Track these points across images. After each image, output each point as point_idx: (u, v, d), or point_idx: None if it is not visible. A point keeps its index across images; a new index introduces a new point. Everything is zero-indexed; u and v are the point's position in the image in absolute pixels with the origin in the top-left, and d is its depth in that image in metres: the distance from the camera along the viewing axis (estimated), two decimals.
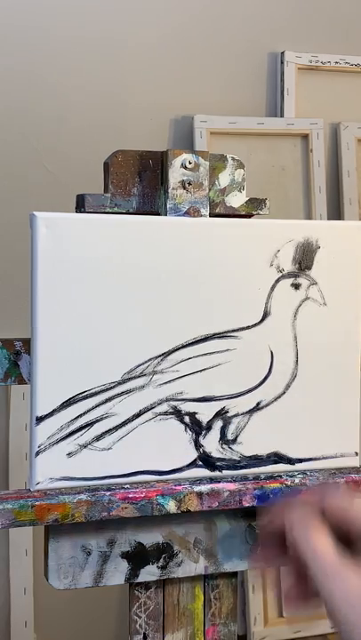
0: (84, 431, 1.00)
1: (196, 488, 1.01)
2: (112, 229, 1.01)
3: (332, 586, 0.67)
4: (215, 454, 1.06)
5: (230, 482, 1.04)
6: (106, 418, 1.01)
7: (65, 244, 0.99)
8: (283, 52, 1.84)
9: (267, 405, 1.08)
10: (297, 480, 1.06)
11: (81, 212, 1.04)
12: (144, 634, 1.08)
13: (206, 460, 1.06)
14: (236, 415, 1.06)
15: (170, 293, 1.03)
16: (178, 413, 1.04)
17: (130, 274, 1.01)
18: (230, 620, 1.12)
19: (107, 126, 1.72)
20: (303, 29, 1.88)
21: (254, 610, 1.75)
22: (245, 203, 1.10)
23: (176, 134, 1.78)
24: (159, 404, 1.03)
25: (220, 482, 1.04)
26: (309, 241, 1.08)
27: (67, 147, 1.69)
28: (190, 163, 1.05)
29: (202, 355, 1.05)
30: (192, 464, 1.05)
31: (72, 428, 1.00)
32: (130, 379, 1.02)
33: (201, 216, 1.06)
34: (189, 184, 1.05)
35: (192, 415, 1.05)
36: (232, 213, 1.09)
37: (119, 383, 1.02)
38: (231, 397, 1.06)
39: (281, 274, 1.08)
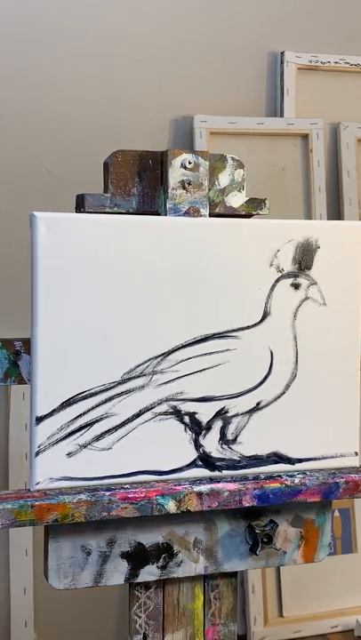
0: (83, 431, 1.00)
1: (196, 488, 1.02)
2: (112, 229, 1.01)
3: None
4: (215, 454, 1.06)
5: (230, 482, 1.04)
6: (106, 418, 1.01)
7: (65, 243, 0.99)
8: (283, 52, 1.84)
9: (267, 405, 1.08)
10: (297, 480, 1.06)
11: (81, 212, 1.04)
12: (144, 634, 1.08)
13: (206, 460, 1.06)
14: (235, 415, 1.06)
15: (170, 293, 1.03)
16: (178, 413, 1.04)
17: (130, 274, 1.01)
18: (230, 620, 1.12)
19: (107, 126, 1.72)
20: (303, 29, 1.88)
21: (254, 610, 1.75)
22: (245, 203, 1.10)
23: (176, 134, 1.78)
24: (159, 404, 1.03)
25: (219, 482, 1.04)
26: (309, 241, 1.08)
27: (67, 147, 1.70)
28: (190, 163, 1.05)
29: (202, 355, 1.05)
30: (192, 464, 1.05)
31: (72, 428, 1.00)
32: (130, 379, 1.02)
33: (201, 216, 1.06)
34: (189, 184, 1.05)
35: (192, 415, 1.05)
36: (232, 213, 1.09)
37: (119, 383, 1.02)
38: (231, 397, 1.06)
39: (281, 274, 1.08)
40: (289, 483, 1.05)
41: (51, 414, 0.99)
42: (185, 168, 1.05)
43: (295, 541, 1.11)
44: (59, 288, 0.99)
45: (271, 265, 1.07)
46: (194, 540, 1.06)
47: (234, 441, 1.07)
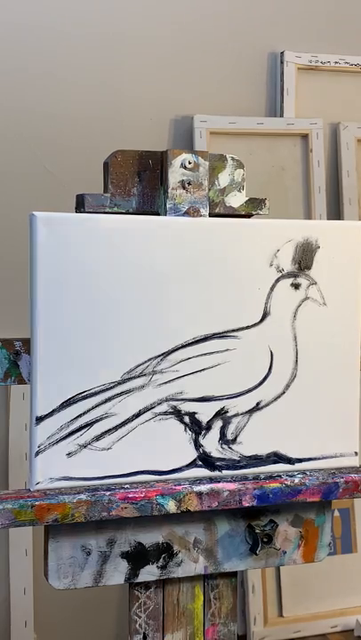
0: (83, 431, 1.00)
1: (196, 488, 1.02)
2: (111, 229, 1.01)
3: None
4: (215, 454, 1.06)
5: (230, 482, 1.04)
6: (106, 418, 1.01)
7: (64, 243, 0.99)
8: (283, 52, 1.84)
9: (266, 405, 1.08)
10: (297, 480, 1.06)
11: (81, 212, 1.04)
12: (144, 634, 1.08)
13: (206, 460, 1.06)
14: (235, 415, 1.06)
15: (169, 293, 1.03)
16: (177, 413, 1.04)
17: (129, 274, 1.01)
18: (230, 619, 1.12)
19: (107, 126, 1.72)
20: (303, 29, 1.88)
21: (254, 610, 1.75)
22: (245, 203, 1.10)
23: (176, 134, 1.78)
24: (159, 403, 1.03)
25: (219, 482, 1.04)
26: (309, 241, 1.08)
27: (67, 147, 1.70)
28: (190, 163, 1.05)
29: (201, 355, 1.05)
30: (192, 464, 1.05)
31: (72, 427, 1.00)
32: (130, 379, 1.02)
33: (201, 216, 1.06)
34: (189, 184, 1.05)
35: (192, 415, 1.05)
36: (232, 213, 1.09)
37: (119, 383, 1.02)
38: (231, 397, 1.06)
39: (281, 274, 1.08)
40: (289, 483, 1.05)
41: (51, 414, 0.99)
42: (185, 168, 1.05)
43: (295, 541, 1.11)
44: (58, 288, 0.99)
45: (271, 265, 1.07)
46: (194, 540, 1.06)
47: (234, 441, 1.07)
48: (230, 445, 1.07)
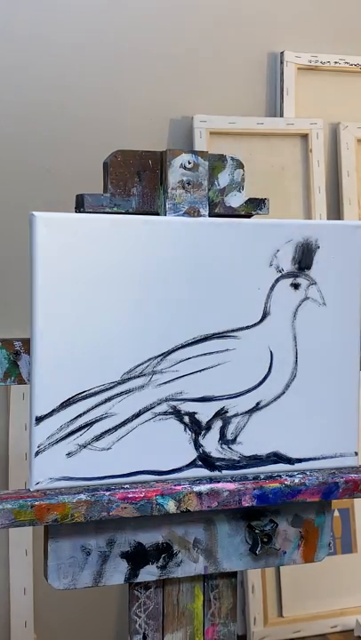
0: (83, 431, 1.00)
1: (196, 488, 1.02)
2: (111, 229, 1.01)
3: None
4: (215, 454, 1.06)
5: (230, 482, 1.04)
6: (105, 418, 1.01)
7: (64, 243, 0.99)
8: (283, 52, 1.84)
9: (266, 405, 1.08)
10: (297, 480, 1.06)
11: (81, 212, 1.04)
12: (144, 634, 1.08)
13: (206, 460, 1.06)
14: (235, 415, 1.07)
15: (169, 293, 1.03)
16: (177, 413, 1.04)
17: (129, 274, 1.01)
18: (230, 619, 1.12)
19: (107, 126, 1.72)
20: (303, 29, 1.88)
21: (254, 610, 1.75)
22: (245, 203, 1.10)
23: (176, 134, 1.78)
24: (159, 404, 1.03)
25: (219, 482, 1.04)
26: (309, 241, 1.08)
27: (67, 147, 1.70)
28: (190, 163, 1.05)
29: (201, 355, 1.05)
30: (191, 464, 1.05)
31: (72, 427, 1.00)
32: (129, 379, 1.02)
33: (200, 216, 1.06)
34: (189, 184, 1.05)
35: (191, 415, 1.05)
36: (232, 213, 1.09)
37: (119, 383, 1.02)
38: (231, 397, 1.06)
39: (280, 274, 1.08)
40: (289, 483, 1.05)
41: (50, 414, 0.99)
42: (185, 168, 1.05)
43: (295, 541, 1.11)
44: (58, 288, 0.99)
45: (271, 265, 1.07)
46: (193, 540, 1.06)
47: (233, 441, 1.07)
48: (230, 445, 1.07)
